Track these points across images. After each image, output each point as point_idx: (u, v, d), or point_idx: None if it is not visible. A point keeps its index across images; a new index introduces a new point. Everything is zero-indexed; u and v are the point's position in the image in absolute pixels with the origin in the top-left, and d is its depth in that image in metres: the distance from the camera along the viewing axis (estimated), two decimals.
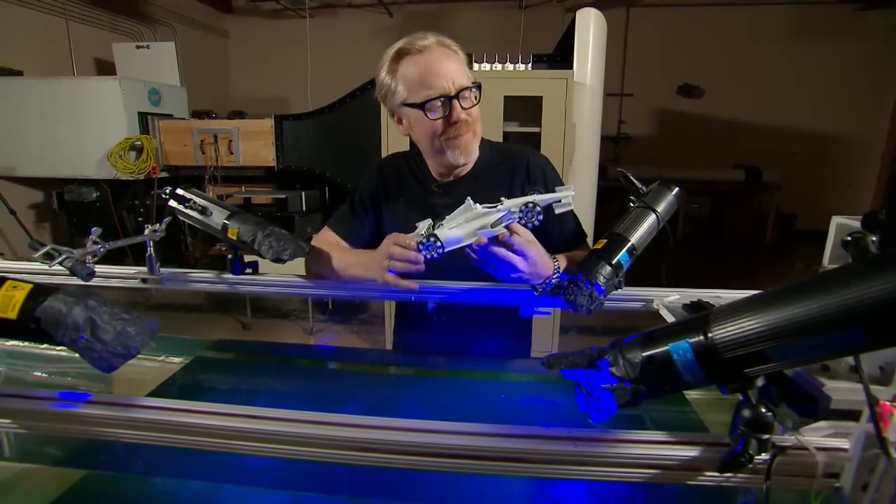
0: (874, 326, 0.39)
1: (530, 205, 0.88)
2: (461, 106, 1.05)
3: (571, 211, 0.97)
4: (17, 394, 0.64)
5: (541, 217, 0.87)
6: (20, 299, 0.62)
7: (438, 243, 0.89)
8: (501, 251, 0.90)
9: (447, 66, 1.03)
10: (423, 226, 0.96)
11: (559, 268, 1.00)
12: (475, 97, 1.07)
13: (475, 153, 1.15)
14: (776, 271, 5.07)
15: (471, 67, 1.11)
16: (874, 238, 0.55)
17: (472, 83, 1.06)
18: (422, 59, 1.04)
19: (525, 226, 0.91)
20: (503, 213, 0.89)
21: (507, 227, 0.90)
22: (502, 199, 0.91)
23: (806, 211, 6.55)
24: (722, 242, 6.55)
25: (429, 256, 0.90)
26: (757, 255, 6.13)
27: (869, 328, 0.39)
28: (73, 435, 0.63)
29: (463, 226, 0.90)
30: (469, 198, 0.90)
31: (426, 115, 1.05)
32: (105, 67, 4.90)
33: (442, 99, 1.03)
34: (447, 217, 0.93)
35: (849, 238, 0.56)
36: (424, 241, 0.89)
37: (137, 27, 5.51)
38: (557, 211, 0.91)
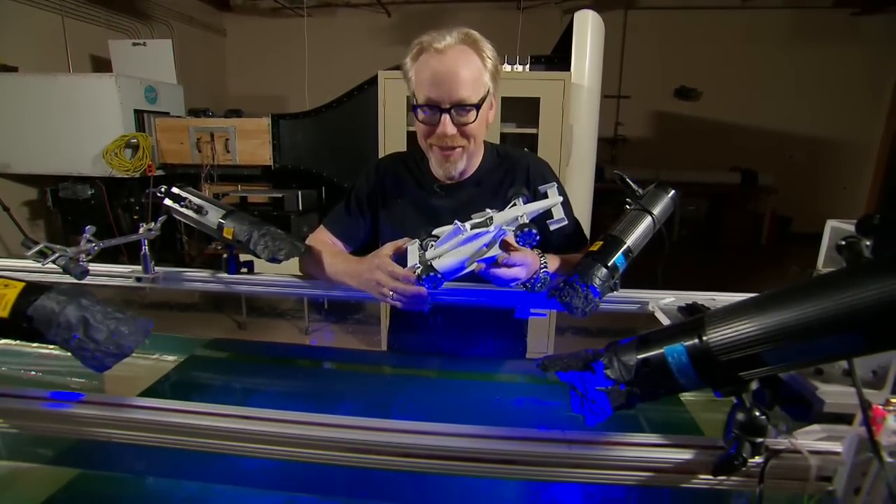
0: (870, 330, 0.39)
1: (525, 228, 0.86)
2: (452, 120, 1.01)
3: (572, 215, 0.96)
4: (9, 393, 0.64)
5: (538, 238, 0.86)
6: (12, 297, 0.62)
7: (439, 276, 0.87)
8: (503, 271, 0.90)
9: (455, 76, 0.98)
10: (413, 250, 0.94)
11: (546, 262, 0.99)
12: (475, 114, 1.02)
13: (463, 166, 1.10)
14: (771, 274, 5.09)
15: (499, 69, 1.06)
16: (868, 242, 0.55)
17: (477, 101, 1.00)
18: (433, 61, 0.99)
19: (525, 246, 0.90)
20: (496, 233, 0.88)
21: (501, 243, 0.90)
22: (488, 210, 0.89)
23: (801, 214, 6.59)
24: (718, 245, 6.58)
25: (432, 288, 0.88)
26: (752, 257, 6.14)
27: (865, 332, 0.40)
28: (64, 435, 0.63)
29: (458, 250, 0.88)
30: (457, 221, 0.89)
31: (416, 116, 1.05)
32: (101, 64, 4.86)
33: (431, 108, 1.01)
34: (438, 241, 0.91)
35: (843, 242, 0.56)
36: (425, 275, 0.86)
37: (134, 24, 5.48)
38: (553, 227, 0.90)
